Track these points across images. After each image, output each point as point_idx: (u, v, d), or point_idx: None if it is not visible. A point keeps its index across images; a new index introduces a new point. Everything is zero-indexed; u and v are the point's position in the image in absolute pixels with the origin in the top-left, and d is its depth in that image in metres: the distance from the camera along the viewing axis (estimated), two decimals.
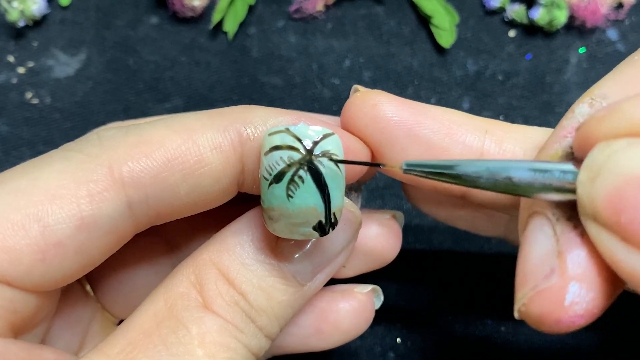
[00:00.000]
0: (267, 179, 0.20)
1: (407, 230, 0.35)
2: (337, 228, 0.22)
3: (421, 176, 0.20)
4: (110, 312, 0.28)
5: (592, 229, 0.17)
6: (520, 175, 0.19)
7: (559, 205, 0.19)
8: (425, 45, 0.38)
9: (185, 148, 0.21)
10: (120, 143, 0.21)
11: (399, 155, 0.23)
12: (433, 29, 0.38)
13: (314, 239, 0.23)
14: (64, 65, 0.38)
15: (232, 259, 0.22)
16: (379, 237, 0.27)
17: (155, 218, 0.22)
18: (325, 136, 0.21)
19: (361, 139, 0.23)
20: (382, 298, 0.28)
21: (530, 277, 0.19)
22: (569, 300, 0.18)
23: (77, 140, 0.22)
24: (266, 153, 0.20)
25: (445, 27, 0.38)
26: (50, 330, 0.24)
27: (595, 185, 0.17)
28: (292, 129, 0.20)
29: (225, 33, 0.38)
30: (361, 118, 0.23)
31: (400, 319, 0.34)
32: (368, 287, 0.28)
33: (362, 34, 0.38)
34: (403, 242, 0.34)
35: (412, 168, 0.20)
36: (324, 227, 0.21)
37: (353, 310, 0.27)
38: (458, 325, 0.34)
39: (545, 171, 0.18)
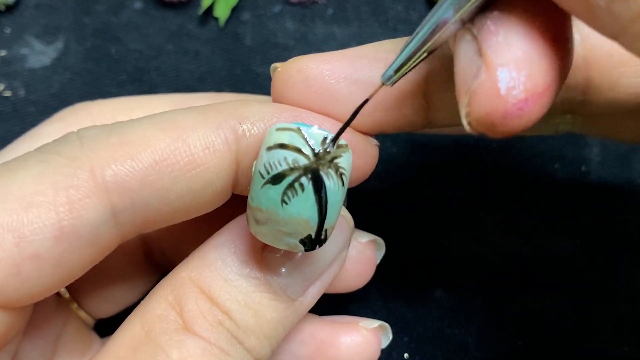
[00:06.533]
0: (262, 177, 0.20)
1: (416, 238, 0.35)
2: None
3: (405, 73, 0.21)
4: (88, 311, 0.28)
5: None
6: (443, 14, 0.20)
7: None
8: None
9: (175, 148, 0.21)
10: (102, 144, 0.21)
11: (347, 107, 0.23)
12: None
13: (299, 251, 0.22)
14: (40, 54, 0.38)
15: (214, 275, 0.22)
16: (347, 262, 0.27)
17: (142, 226, 0.22)
18: (337, 146, 0.20)
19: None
20: (390, 337, 0.28)
21: (463, 85, 0.19)
22: (504, 87, 0.18)
23: (55, 141, 0.21)
24: (269, 148, 0.20)
25: None
26: (22, 343, 0.24)
27: None
28: (303, 129, 0.20)
29: (216, 19, 0.38)
30: (293, 89, 0.23)
31: (408, 332, 0.34)
32: (375, 323, 0.27)
33: (366, 20, 0.38)
34: (411, 249, 0.34)
35: (391, 75, 0.21)
36: (313, 242, 0.21)
37: (355, 346, 0.26)
38: (470, 339, 0.34)
39: None
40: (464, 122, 0.19)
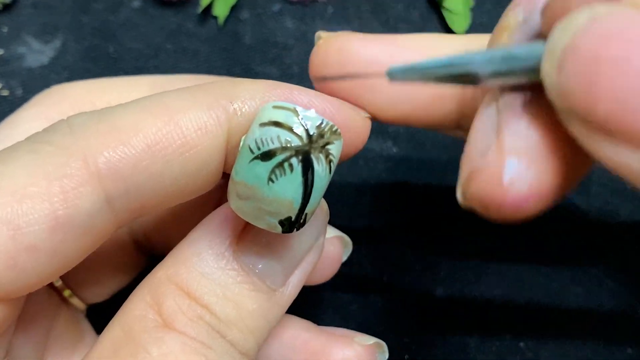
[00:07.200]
0: (252, 152, 0.20)
1: (416, 237, 0.34)
2: None
3: (407, 79, 0.19)
4: (80, 296, 0.28)
5: (573, 126, 0.16)
6: (481, 67, 0.18)
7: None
8: (437, 31, 0.38)
9: (167, 131, 0.21)
10: (93, 131, 0.20)
11: (377, 96, 0.23)
12: (445, 13, 0.38)
13: (277, 232, 0.22)
14: (37, 53, 0.38)
15: (190, 271, 0.22)
16: None
17: (137, 211, 0.22)
18: (332, 132, 0.21)
19: (338, 92, 0.24)
20: (386, 355, 0.27)
21: (469, 159, 0.18)
22: (507, 177, 0.17)
23: (45, 130, 0.21)
24: (263, 124, 0.20)
25: (459, 11, 0.38)
26: (15, 336, 0.24)
27: (562, 75, 0.15)
28: (300, 111, 0.20)
29: (215, 18, 0.38)
30: (329, 67, 0.23)
31: (409, 333, 0.34)
32: (371, 340, 0.27)
33: (366, 19, 0.38)
34: (411, 249, 0.34)
35: (396, 74, 0.19)
36: (292, 224, 0.21)
37: None
38: (472, 340, 0.33)
39: (511, 58, 0.17)
40: (458, 192, 0.18)
